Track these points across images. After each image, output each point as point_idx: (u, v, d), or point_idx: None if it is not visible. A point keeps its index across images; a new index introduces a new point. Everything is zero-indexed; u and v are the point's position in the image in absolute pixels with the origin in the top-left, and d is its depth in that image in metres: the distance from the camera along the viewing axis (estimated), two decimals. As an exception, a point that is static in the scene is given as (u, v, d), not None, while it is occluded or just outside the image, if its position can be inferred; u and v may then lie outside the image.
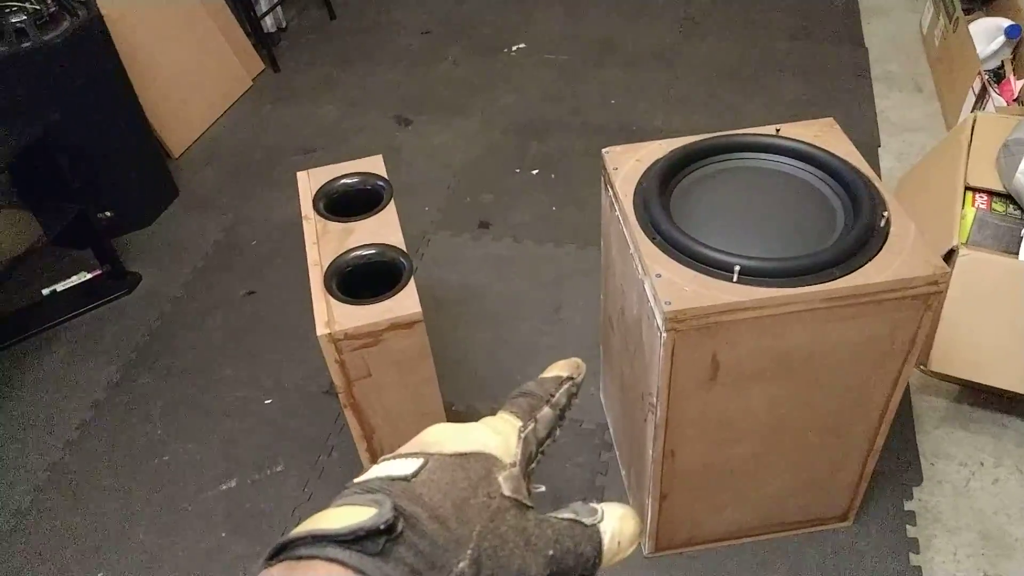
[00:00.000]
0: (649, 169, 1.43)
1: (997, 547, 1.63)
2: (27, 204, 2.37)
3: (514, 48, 3.44)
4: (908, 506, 1.70)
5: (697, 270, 1.24)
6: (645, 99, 3.06)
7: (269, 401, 2.04)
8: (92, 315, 2.33)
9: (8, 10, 2.21)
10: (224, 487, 1.85)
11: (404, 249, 1.33)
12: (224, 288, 2.39)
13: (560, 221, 2.52)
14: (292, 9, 3.80)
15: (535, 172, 2.74)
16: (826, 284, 1.20)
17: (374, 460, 1.39)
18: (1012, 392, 1.76)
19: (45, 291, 2.37)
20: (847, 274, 1.22)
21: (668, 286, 1.22)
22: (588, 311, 2.20)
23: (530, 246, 2.44)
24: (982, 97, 2.46)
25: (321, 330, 1.20)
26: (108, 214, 2.50)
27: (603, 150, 1.49)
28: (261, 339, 2.21)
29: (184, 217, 2.68)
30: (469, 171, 2.77)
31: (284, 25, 3.68)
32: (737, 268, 1.21)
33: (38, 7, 2.24)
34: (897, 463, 1.77)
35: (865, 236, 1.26)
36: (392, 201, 1.43)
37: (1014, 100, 2.55)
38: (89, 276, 2.39)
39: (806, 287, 1.20)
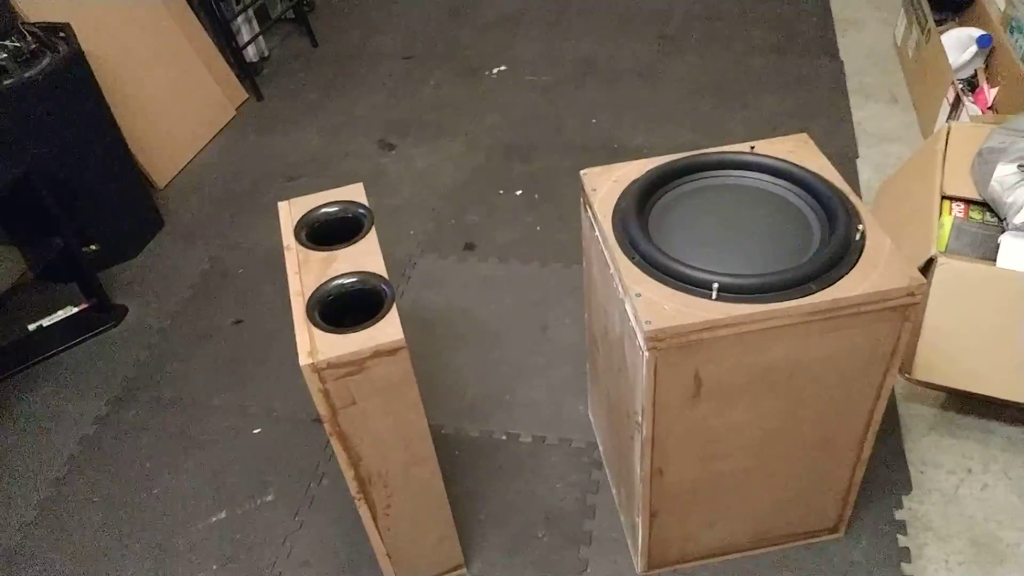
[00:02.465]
0: (627, 189, 1.45)
1: (988, 553, 1.63)
2: (12, 239, 2.36)
3: (495, 71, 3.47)
4: (899, 515, 1.71)
5: (676, 288, 1.25)
6: (627, 117, 3.09)
7: (258, 431, 2.03)
8: (79, 349, 2.32)
9: (-12, 48, 2.22)
10: (215, 519, 1.85)
11: (386, 276, 1.34)
12: (211, 318, 2.39)
13: (545, 240, 2.54)
14: (274, 38, 3.82)
15: (519, 192, 2.76)
16: (804, 299, 1.22)
17: (362, 487, 1.39)
18: (996, 398, 1.77)
19: (31, 326, 2.36)
20: (825, 288, 1.23)
21: (648, 305, 1.23)
22: (575, 329, 2.21)
23: (516, 266, 2.45)
24: (956, 106, 2.49)
25: (304, 360, 1.20)
26: (93, 247, 2.51)
27: (581, 172, 1.51)
28: (249, 368, 2.21)
29: (170, 248, 2.68)
30: (454, 193, 2.79)
31: (267, 54, 3.70)
32: (716, 285, 1.23)
33: (18, 44, 2.26)
34: (886, 472, 1.78)
35: (841, 250, 1.27)
36: (373, 228, 1.44)
37: (988, 108, 2.58)
38: (75, 310, 2.39)
39: (785, 302, 1.21)
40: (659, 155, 1.51)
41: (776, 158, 1.44)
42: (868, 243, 1.29)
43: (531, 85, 3.35)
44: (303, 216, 1.48)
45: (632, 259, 1.31)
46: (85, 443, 2.05)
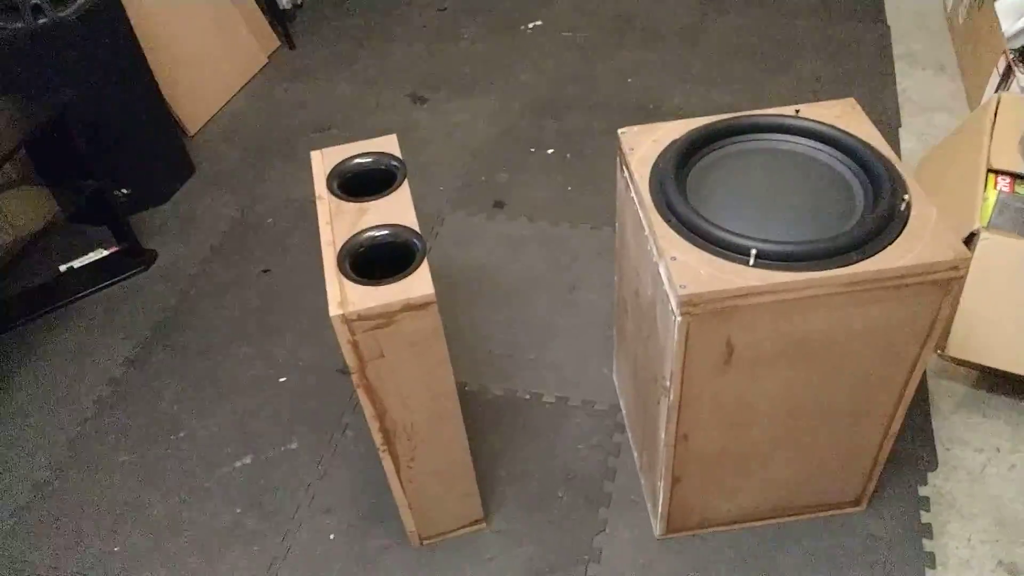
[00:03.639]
0: (666, 150, 1.41)
1: (1013, 534, 1.62)
2: (44, 181, 2.37)
3: (531, 25, 3.40)
4: (922, 491, 1.69)
5: (713, 253, 1.23)
6: (664, 78, 3.03)
7: (284, 379, 2.05)
8: (109, 292, 2.34)
9: (24, -14, 2.20)
10: (239, 464, 1.87)
11: (418, 230, 1.33)
12: (240, 266, 2.39)
13: (575, 201, 2.51)
14: (308, -15, 3.78)
15: (551, 152, 2.72)
16: (844, 269, 1.19)
17: (387, 439, 1.40)
18: (1031, 378, 1.74)
19: (62, 268, 2.39)
20: (866, 258, 1.20)
21: (683, 269, 1.21)
22: (602, 291, 2.19)
23: (545, 226, 2.43)
24: (1007, 77, 2.41)
25: (334, 311, 1.20)
26: (125, 191, 2.52)
27: (619, 130, 1.48)
28: (276, 317, 2.22)
29: (200, 195, 2.69)
30: (484, 150, 2.75)
31: (300, 2, 3.66)
32: (754, 252, 1.20)
33: (54, -17, 2.24)
34: (912, 448, 1.76)
35: (885, 220, 1.24)
36: (406, 181, 1.42)
37: (1040, 80, 2.50)
38: (106, 253, 2.41)
39: (824, 271, 1.19)
40: (696, 117, 1.47)
41: (822, 123, 1.40)
42: (913, 214, 1.26)
43: (567, 42, 3.28)
44: (335, 166, 1.47)
45: (668, 222, 1.29)
46: (113, 385, 2.08)
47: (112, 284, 2.36)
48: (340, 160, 1.48)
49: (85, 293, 2.33)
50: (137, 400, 2.04)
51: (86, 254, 2.41)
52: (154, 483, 1.85)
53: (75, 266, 2.39)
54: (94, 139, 2.35)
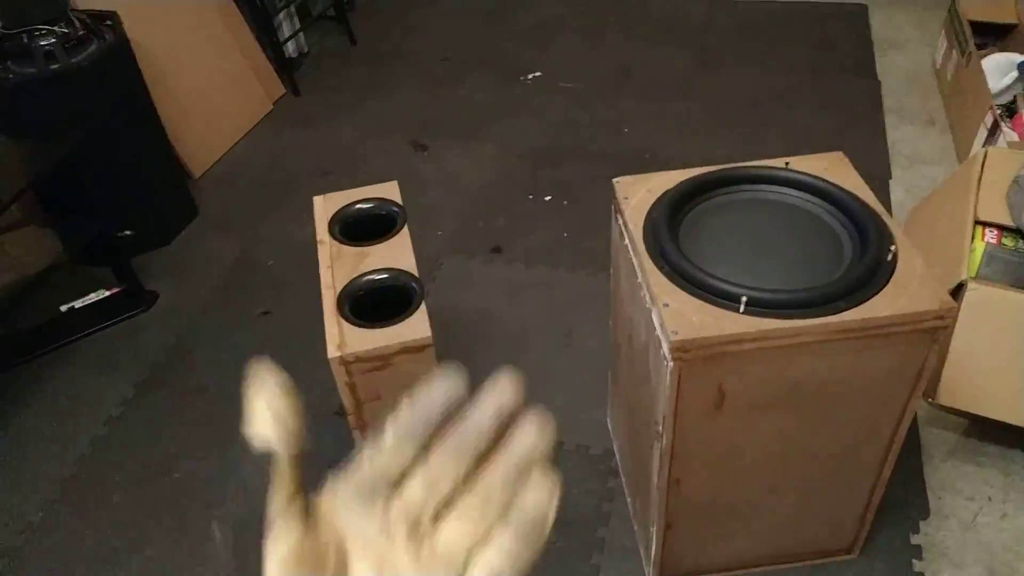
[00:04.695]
0: (659, 199, 1.45)
1: (1005, 583, 1.62)
2: (49, 221, 2.41)
3: (530, 76, 3.48)
4: (914, 540, 1.70)
5: (704, 300, 1.26)
6: (660, 128, 3.09)
7: (280, 420, 2.06)
8: (109, 332, 2.37)
9: (38, 33, 2.27)
10: (234, 505, 1.87)
11: (416, 274, 1.36)
12: (240, 308, 2.42)
13: (572, 247, 2.55)
14: (314, 35, 3.87)
15: (548, 198, 2.77)
16: (832, 316, 1.22)
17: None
18: (1020, 427, 1.75)
19: (63, 307, 2.41)
20: (854, 307, 1.23)
21: (675, 315, 1.24)
22: (599, 337, 2.21)
23: (542, 271, 2.47)
24: (994, 132, 2.47)
25: (332, 352, 1.22)
26: (128, 232, 2.55)
27: (614, 180, 1.52)
28: (275, 359, 2.20)
29: (203, 237, 2.72)
30: (483, 196, 2.80)
31: (306, 50, 3.75)
32: (744, 299, 1.23)
33: (67, 30, 2.31)
34: (904, 496, 1.77)
35: (872, 269, 1.27)
36: (406, 226, 1.46)
37: (1026, 135, 2.56)
38: (107, 293, 2.44)
39: (812, 319, 1.22)
40: (690, 167, 1.51)
41: (810, 175, 1.44)
42: (900, 264, 1.29)
43: (565, 92, 3.36)
44: (337, 211, 1.51)
45: (661, 269, 1.32)
46: (111, 424, 2.09)
47: (113, 324, 2.38)
48: (342, 205, 1.52)
49: (85, 333, 2.35)
50: (134, 440, 2.04)
51: (87, 295, 2.43)
52: (149, 524, 1.85)
53: (76, 306, 2.41)
54: (100, 181, 2.39)
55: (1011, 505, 1.75)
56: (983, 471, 1.82)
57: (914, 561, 1.66)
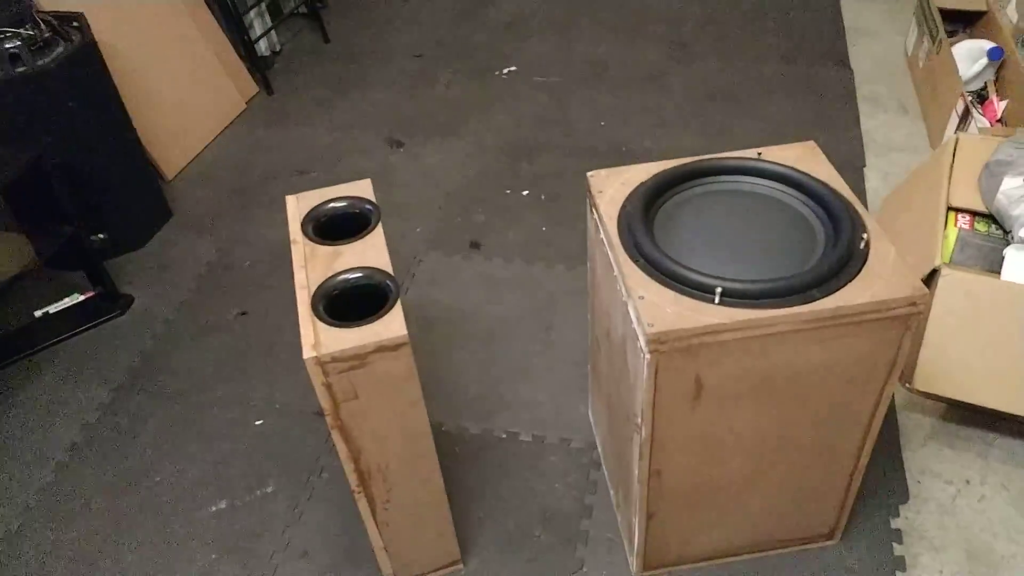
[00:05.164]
0: (633, 192, 1.45)
1: (983, 565, 1.64)
2: (20, 226, 2.38)
3: (506, 71, 3.47)
4: (894, 524, 1.71)
5: (679, 292, 1.26)
6: (635, 121, 3.10)
7: (260, 422, 2.05)
8: (84, 337, 2.34)
9: (2, 36, 2.23)
10: (214, 508, 1.86)
11: (391, 272, 1.35)
12: (217, 309, 2.40)
13: (550, 241, 2.55)
14: (286, 33, 3.84)
15: (526, 193, 2.77)
16: (807, 306, 1.22)
17: (362, 481, 1.40)
18: (997, 410, 1.77)
19: (37, 313, 2.38)
20: (827, 296, 1.24)
21: (651, 308, 1.24)
22: (578, 330, 2.21)
23: (521, 266, 2.46)
24: (965, 118, 2.50)
25: (307, 353, 1.21)
26: (101, 236, 2.53)
27: (588, 174, 1.52)
28: (253, 360, 2.22)
29: (178, 239, 2.70)
30: (461, 192, 2.80)
31: (278, 48, 3.72)
32: (719, 290, 1.23)
33: (32, 33, 2.27)
34: (883, 481, 1.78)
35: (845, 258, 1.28)
36: (380, 224, 1.45)
37: (997, 121, 2.59)
38: (82, 298, 2.41)
39: (787, 308, 1.22)
40: (667, 159, 1.51)
41: (783, 165, 1.45)
42: (872, 252, 1.30)
43: (541, 86, 3.35)
44: (310, 210, 1.49)
45: (636, 262, 1.32)
46: (88, 430, 2.06)
47: (88, 329, 2.35)
48: (315, 204, 1.50)
49: (60, 338, 2.32)
50: (111, 446, 2.02)
51: (61, 299, 2.40)
52: (127, 530, 1.83)
53: (50, 311, 2.38)
54: (72, 185, 2.36)
55: (988, 488, 1.77)
56: (961, 455, 1.84)
57: (894, 545, 1.67)
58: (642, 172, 1.50)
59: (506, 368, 2.13)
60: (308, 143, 3.11)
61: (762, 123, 3.02)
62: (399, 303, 1.28)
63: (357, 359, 1.23)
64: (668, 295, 1.26)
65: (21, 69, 2.22)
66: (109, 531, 1.83)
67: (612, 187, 1.48)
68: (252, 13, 3.49)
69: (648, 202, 1.42)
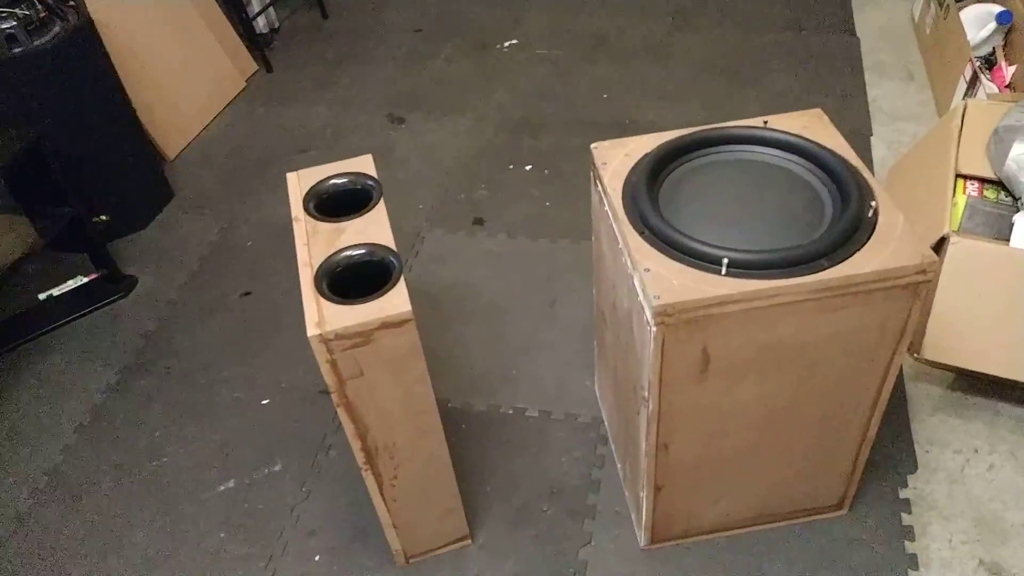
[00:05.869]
0: (638, 163, 1.44)
1: (992, 533, 1.63)
2: (22, 209, 2.37)
3: (506, 45, 3.44)
4: (903, 494, 1.71)
5: (686, 263, 1.25)
6: (638, 93, 3.06)
7: (266, 401, 2.04)
8: (89, 319, 2.34)
9: (-2, 16, 2.21)
10: (222, 488, 1.86)
11: (394, 248, 1.34)
12: (221, 290, 2.39)
13: (554, 216, 2.53)
14: (284, 9, 3.80)
15: (528, 168, 2.74)
16: (815, 275, 1.21)
17: (369, 458, 1.40)
18: (1005, 379, 1.76)
19: (41, 296, 2.38)
20: (835, 265, 1.22)
21: (657, 280, 1.22)
22: (583, 305, 2.20)
23: (524, 242, 2.45)
24: (973, 84, 2.46)
25: (312, 330, 1.20)
26: (103, 218, 2.51)
27: (592, 145, 1.50)
28: (258, 340, 2.22)
29: (180, 219, 2.69)
30: (463, 168, 2.77)
31: (277, 26, 3.68)
32: (725, 261, 1.22)
33: (28, 12, 2.25)
34: (892, 451, 1.78)
35: (853, 227, 1.26)
36: (382, 200, 1.43)
37: (1006, 87, 2.55)
38: (85, 280, 2.40)
39: (794, 279, 1.21)
40: (668, 131, 1.49)
41: (789, 133, 1.43)
42: (881, 220, 1.28)
43: (542, 60, 3.32)
44: (312, 187, 1.48)
45: (641, 234, 1.31)
46: (95, 412, 2.07)
47: (92, 311, 2.35)
48: (316, 181, 1.49)
49: (65, 321, 2.32)
50: (119, 427, 2.02)
51: (65, 282, 2.40)
52: (137, 510, 1.84)
53: (54, 294, 2.38)
54: (72, 166, 2.35)
55: (997, 456, 1.76)
56: (969, 424, 1.83)
57: (903, 515, 1.67)
58: (646, 143, 1.48)
59: (511, 344, 2.13)
60: (308, 121, 3.09)
61: (766, 93, 2.98)
62: (403, 279, 1.27)
63: (361, 336, 1.23)
64: (674, 267, 1.24)
65: (18, 50, 2.20)
66: (118, 512, 1.84)
67: (616, 159, 1.46)
68: (249, -10, 3.45)
69: (653, 173, 1.40)
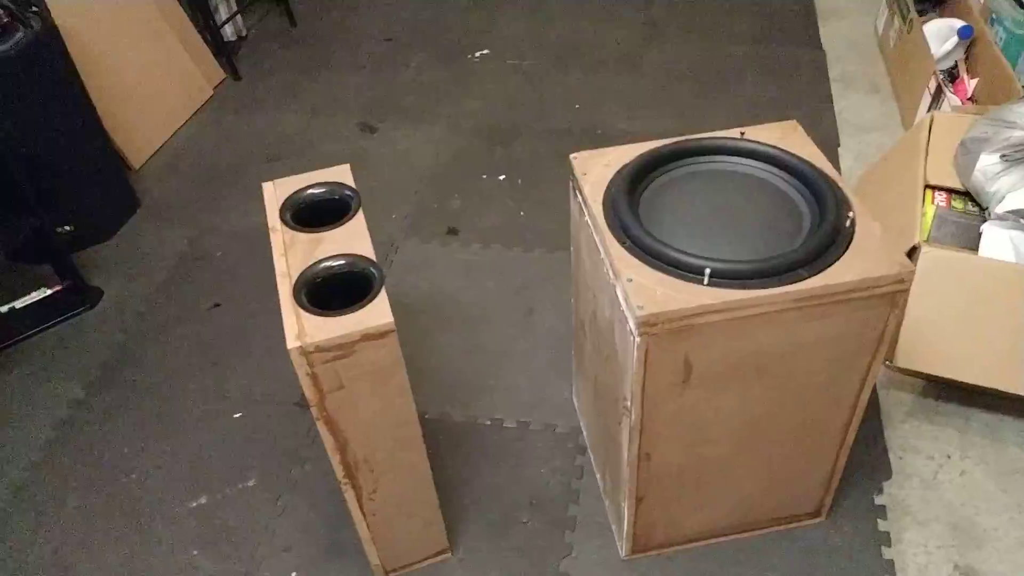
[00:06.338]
0: (618, 174, 1.44)
1: (966, 538, 1.66)
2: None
3: (478, 54, 3.44)
4: (879, 500, 1.73)
5: (668, 273, 1.25)
6: (609, 103, 3.08)
7: (239, 415, 2.01)
8: (53, 332, 2.28)
9: (-41, 21, 2.15)
10: (195, 504, 1.82)
11: (374, 259, 1.32)
12: (189, 301, 2.35)
13: (528, 225, 2.53)
14: (252, 17, 3.76)
15: (502, 177, 2.74)
16: (795, 285, 1.22)
17: (348, 472, 1.38)
18: (975, 385, 1.79)
19: (3, 308, 2.31)
20: (815, 274, 1.23)
21: (640, 290, 1.22)
22: (559, 315, 2.20)
23: (499, 251, 2.44)
24: (938, 97, 2.51)
25: (292, 343, 1.18)
26: (68, 228, 2.45)
27: (571, 156, 1.50)
28: (228, 352, 2.18)
29: (146, 229, 2.63)
30: (436, 177, 2.76)
31: (244, 33, 3.64)
32: (708, 271, 1.22)
33: (-10, 18, 2.19)
34: (866, 458, 1.80)
35: (831, 237, 1.28)
36: (360, 210, 1.42)
37: (968, 99, 2.61)
38: (49, 292, 2.34)
39: (776, 288, 1.22)
40: (643, 141, 1.50)
41: (767, 144, 1.44)
42: (858, 230, 1.30)
43: (513, 69, 3.32)
44: (288, 197, 1.46)
45: (623, 244, 1.31)
46: (61, 427, 2.01)
47: (57, 324, 2.29)
48: (293, 191, 1.47)
49: (29, 334, 2.26)
50: (86, 442, 1.97)
51: (28, 294, 2.33)
52: (106, 529, 1.79)
53: (17, 306, 2.31)
54: (34, 175, 2.29)
55: (969, 462, 1.79)
56: (941, 430, 1.86)
57: (879, 521, 1.69)
58: (625, 153, 1.48)
59: (488, 354, 2.11)
60: (278, 129, 3.06)
61: (735, 104, 3.02)
62: (384, 291, 1.26)
63: (343, 348, 1.21)
64: (656, 277, 1.25)
65: (-21, 56, 2.15)
66: (86, 530, 1.79)
67: (595, 169, 1.47)
68: (217, -3, 3.41)
69: (633, 183, 1.40)
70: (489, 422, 1.94)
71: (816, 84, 3.09)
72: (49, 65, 2.34)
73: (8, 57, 2.18)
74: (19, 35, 2.24)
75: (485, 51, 3.45)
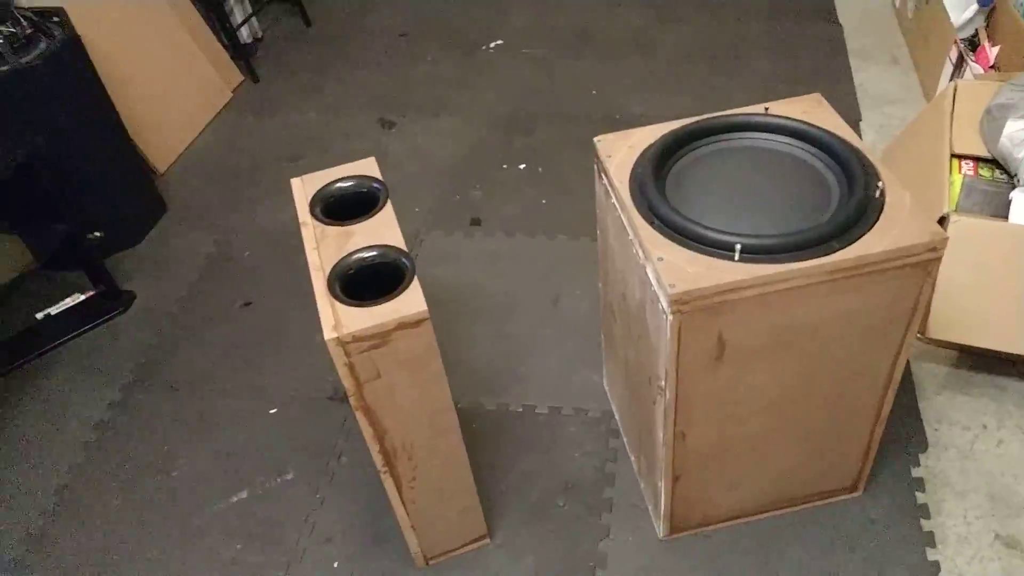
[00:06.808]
0: (642, 155, 1.44)
1: (1006, 507, 1.65)
2: (15, 229, 2.34)
3: (492, 45, 3.44)
4: (916, 472, 1.72)
5: (698, 251, 1.25)
6: (625, 86, 3.07)
7: (274, 410, 2.03)
8: (88, 336, 2.31)
9: (-17, 35, 2.19)
10: (235, 499, 1.85)
11: (405, 249, 1.34)
12: (219, 301, 2.38)
13: (550, 213, 2.53)
14: (267, 18, 3.78)
15: (522, 166, 2.75)
16: (827, 257, 1.22)
17: (387, 461, 1.39)
18: (1009, 354, 1.78)
19: (39, 315, 2.35)
20: (847, 246, 1.23)
21: (671, 269, 1.23)
22: (586, 300, 2.21)
23: (523, 239, 2.45)
24: (959, 66, 2.49)
25: (329, 334, 1.20)
26: (98, 234, 2.48)
27: (595, 139, 1.50)
28: (261, 349, 2.20)
29: (174, 232, 2.67)
30: (456, 169, 2.77)
31: (260, 35, 3.66)
32: (739, 247, 1.22)
33: (13, 30, 2.23)
34: (902, 431, 1.79)
35: (862, 208, 1.27)
36: (389, 202, 1.43)
37: (990, 67, 2.57)
38: (83, 297, 2.38)
39: (808, 261, 1.21)
40: (664, 122, 1.50)
41: (792, 118, 1.44)
42: (888, 200, 1.29)
43: (528, 58, 3.32)
44: (317, 191, 1.47)
45: (652, 224, 1.31)
46: (100, 429, 2.05)
47: (91, 328, 2.33)
48: (322, 185, 1.48)
49: (64, 339, 2.30)
50: (125, 443, 2.01)
51: (62, 300, 2.37)
52: (149, 525, 1.82)
53: (52, 313, 2.35)
54: (63, 184, 2.33)
55: (1005, 431, 1.78)
56: (976, 400, 1.85)
57: (917, 493, 1.68)
58: (649, 134, 1.48)
59: (517, 342, 2.13)
60: (298, 129, 3.08)
61: (752, 82, 3.00)
62: (416, 279, 1.27)
63: (379, 337, 1.22)
64: (686, 255, 1.25)
65: (4, 67, 2.18)
66: (130, 529, 1.82)
67: (620, 151, 1.47)
68: (231, 0, 3.43)
69: (659, 163, 1.40)
70: (521, 409, 1.96)
71: (834, 59, 3.07)
72: (73, 74, 2.37)
73: (33, 68, 2.21)
74: (42, 46, 2.27)
75: (499, 41, 3.45)
